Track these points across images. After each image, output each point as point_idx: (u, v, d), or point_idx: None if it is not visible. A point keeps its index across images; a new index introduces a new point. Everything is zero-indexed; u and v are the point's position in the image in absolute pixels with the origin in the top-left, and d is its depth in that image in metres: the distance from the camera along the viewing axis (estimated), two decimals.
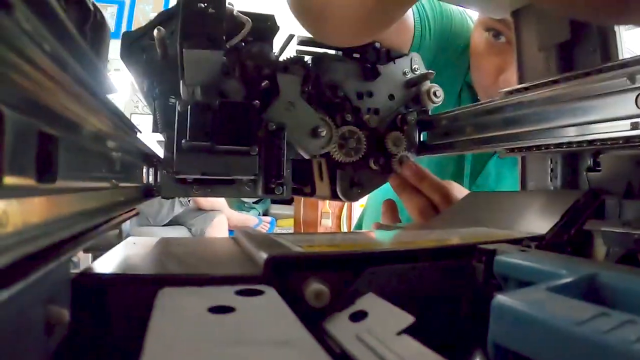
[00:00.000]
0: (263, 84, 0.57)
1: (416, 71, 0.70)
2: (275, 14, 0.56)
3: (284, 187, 0.55)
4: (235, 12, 0.51)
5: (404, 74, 0.69)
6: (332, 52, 0.66)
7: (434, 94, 0.69)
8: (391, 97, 0.68)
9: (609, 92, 0.38)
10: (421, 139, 0.70)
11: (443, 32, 0.86)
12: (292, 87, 0.57)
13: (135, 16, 3.34)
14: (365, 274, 0.27)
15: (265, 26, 0.56)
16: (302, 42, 0.64)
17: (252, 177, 0.54)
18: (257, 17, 0.54)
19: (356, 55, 0.66)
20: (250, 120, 0.50)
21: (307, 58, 0.63)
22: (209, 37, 0.36)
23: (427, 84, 0.69)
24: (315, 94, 0.62)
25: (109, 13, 3.26)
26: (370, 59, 0.67)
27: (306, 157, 0.60)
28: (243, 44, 0.55)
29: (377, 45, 0.68)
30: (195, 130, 0.47)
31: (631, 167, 0.38)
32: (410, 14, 0.78)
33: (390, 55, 0.69)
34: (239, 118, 0.49)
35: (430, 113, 0.71)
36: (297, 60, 0.61)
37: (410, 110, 0.69)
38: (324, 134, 0.58)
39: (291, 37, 0.60)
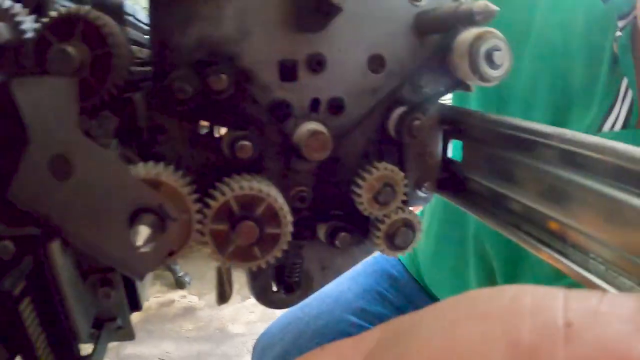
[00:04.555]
0: None
1: None
2: None
3: None
4: None
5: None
6: None
7: (490, 55, 0.31)
8: (375, 65, 0.34)
9: None
10: (448, 155, 0.38)
11: None
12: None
13: None
14: None
15: None
16: None
17: None
18: None
19: None
20: None
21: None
22: None
23: (477, 31, 0.31)
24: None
25: None
26: None
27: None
28: None
29: None
30: None
31: None
32: None
33: None
34: None
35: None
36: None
37: (424, 98, 0.35)
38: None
39: None
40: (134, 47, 0.35)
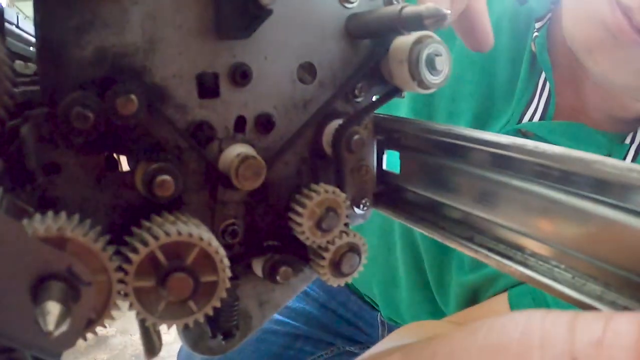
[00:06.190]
0: None
1: None
2: None
3: None
4: None
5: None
6: None
7: (432, 61, 0.29)
8: (305, 74, 0.30)
9: None
10: (383, 167, 0.35)
11: None
12: None
13: None
14: None
15: None
16: None
17: None
18: None
19: None
20: None
21: None
22: None
23: (417, 35, 0.29)
24: None
25: None
26: None
27: None
28: None
29: None
30: None
31: None
32: None
33: None
34: None
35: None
36: None
37: (360, 109, 0.32)
38: None
39: None
40: (18, 63, 0.28)
